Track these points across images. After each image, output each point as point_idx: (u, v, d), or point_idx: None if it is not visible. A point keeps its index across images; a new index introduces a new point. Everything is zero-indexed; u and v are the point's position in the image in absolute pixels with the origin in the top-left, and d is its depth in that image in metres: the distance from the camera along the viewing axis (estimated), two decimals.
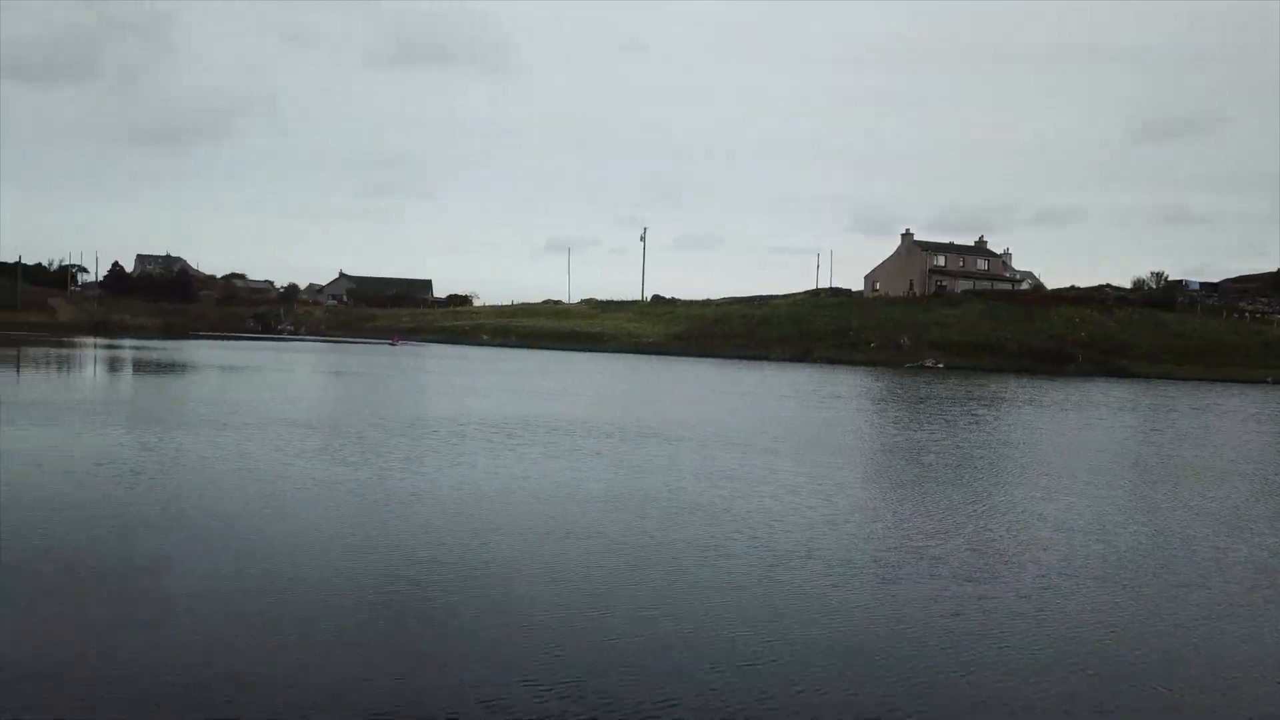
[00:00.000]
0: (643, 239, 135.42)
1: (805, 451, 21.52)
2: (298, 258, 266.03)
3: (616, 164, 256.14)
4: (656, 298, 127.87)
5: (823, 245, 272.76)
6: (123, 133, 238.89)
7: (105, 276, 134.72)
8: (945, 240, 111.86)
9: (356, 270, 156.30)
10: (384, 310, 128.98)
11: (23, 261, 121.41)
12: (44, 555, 10.46)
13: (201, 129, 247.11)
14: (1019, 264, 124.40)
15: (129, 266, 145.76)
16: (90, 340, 76.13)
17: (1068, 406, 39.93)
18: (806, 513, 14.22)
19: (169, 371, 44.14)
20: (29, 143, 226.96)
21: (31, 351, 55.61)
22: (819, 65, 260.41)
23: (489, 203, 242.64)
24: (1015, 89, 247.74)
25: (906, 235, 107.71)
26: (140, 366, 47.74)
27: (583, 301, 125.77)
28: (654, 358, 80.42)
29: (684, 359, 78.30)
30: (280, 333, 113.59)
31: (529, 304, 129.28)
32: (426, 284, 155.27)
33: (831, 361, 77.40)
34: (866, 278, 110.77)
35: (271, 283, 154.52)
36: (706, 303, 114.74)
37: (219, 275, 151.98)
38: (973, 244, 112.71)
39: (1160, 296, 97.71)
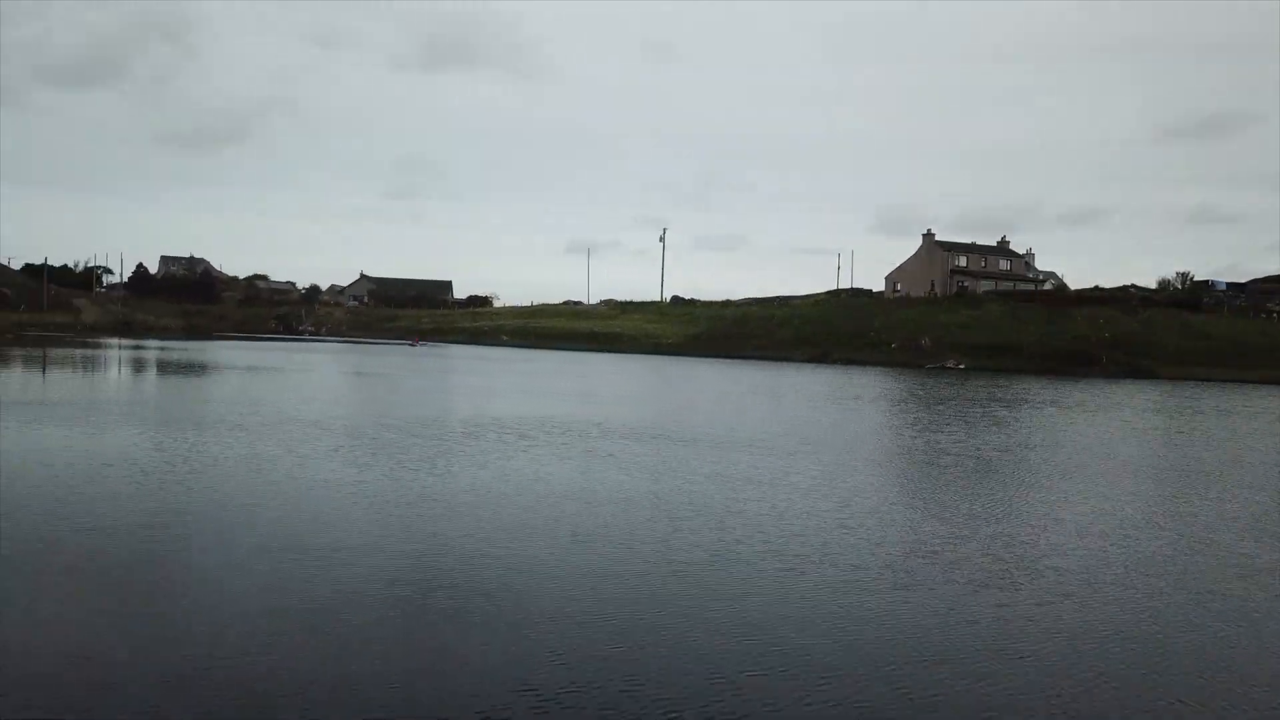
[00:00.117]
0: (662, 240, 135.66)
1: (821, 453, 21.26)
2: (320, 259, 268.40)
3: (639, 165, 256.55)
4: (676, 299, 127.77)
5: (844, 246, 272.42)
6: (149, 136, 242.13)
7: (130, 278, 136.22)
8: (967, 240, 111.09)
9: (378, 271, 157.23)
10: (404, 311, 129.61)
11: (49, 263, 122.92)
12: (43, 552, 10.42)
13: (227, 132, 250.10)
14: (1042, 265, 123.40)
15: (153, 268, 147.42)
16: (114, 341, 76.89)
17: (1090, 408, 39.36)
18: (820, 516, 13.98)
19: (189, 372, 44.39)
20: (57, 146, 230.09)
21: (56, 352, 56.17)
22: (842, 65, 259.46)
23: (511, 204, 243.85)
24: (1039, 87, 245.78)
25: (928, 236, 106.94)
26: (162, 367, 48.07)
27: (602, 302, 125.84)
28: (673, 359, 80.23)
29: (703, 360, 78.06)
30: (301, 333, 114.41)
31: (549, 305, 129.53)
32: (447, 285, 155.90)
33: (851, 363, 76.89)
34: (887, 278, 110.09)
35: (294, 284, 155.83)
36: (726, 303, 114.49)
37: (242, 276, 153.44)
38: (995, 244, 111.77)
39: (1186, 297, 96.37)
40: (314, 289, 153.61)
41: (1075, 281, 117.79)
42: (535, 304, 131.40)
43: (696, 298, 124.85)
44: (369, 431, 22.16)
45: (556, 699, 7.01)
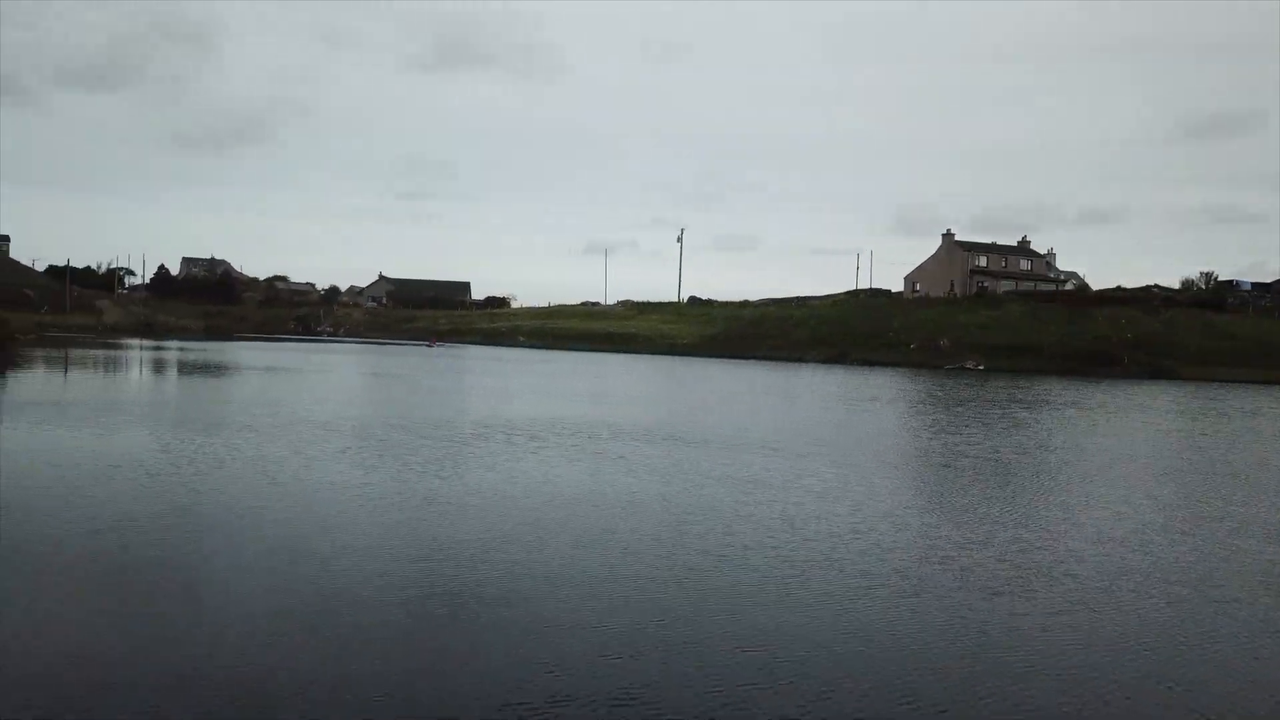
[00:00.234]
0: (679, 240, 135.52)
1: (835, 456, 20.95)
2: (339, 260, 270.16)
3: (655, 166, 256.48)
4: (693, 299, 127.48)
5: (863, 246, 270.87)
6: (168, 138, 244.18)
7: (151, 279, 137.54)
8: (987, 240, 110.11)
9: (396, 273, 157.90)
10: (422, 312, 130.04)
11: (72, 265, 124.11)
12: (46, 552, 10.32)
13: (245, 134, 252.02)
14: (1063, 264, 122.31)
15: (174, 269, 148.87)
16: (135, 342, 77.47)
17: (1112, 410, 38.78)
18: (831, 520, 13.70)
19: (206, 373, 44.56)
20: (79, 149, 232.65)
21: (76, 353, 56.60)
22: (861, 65, 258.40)
23: (528, 205, 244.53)
24: (1039, 87, 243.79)
25: (947, 236, 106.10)
26: (180, 368, 48.31)
27: (619, 303, 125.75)
28: (689, 359, 79.94)
29: (719, 360, 77.75)
30: (320, 334, 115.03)
31: (566, 306, 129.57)
32: (465, 286, 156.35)
33: (870, 363, 76.34)
34: (907, 279, 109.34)
35: (313, 285, 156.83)
36: (743, 304, 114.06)
37: (262, 278, 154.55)
38: (1015, 244, 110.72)
39: (1210, 297, 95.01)
40: (333, 290, 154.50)
41: (1097, 282, 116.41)
42: (553, 305, 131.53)
43: (713, 298, 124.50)
44: (378, 433, 22.04)
45: (554, 704, 6.80)
